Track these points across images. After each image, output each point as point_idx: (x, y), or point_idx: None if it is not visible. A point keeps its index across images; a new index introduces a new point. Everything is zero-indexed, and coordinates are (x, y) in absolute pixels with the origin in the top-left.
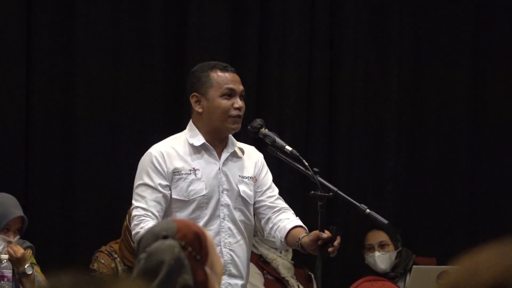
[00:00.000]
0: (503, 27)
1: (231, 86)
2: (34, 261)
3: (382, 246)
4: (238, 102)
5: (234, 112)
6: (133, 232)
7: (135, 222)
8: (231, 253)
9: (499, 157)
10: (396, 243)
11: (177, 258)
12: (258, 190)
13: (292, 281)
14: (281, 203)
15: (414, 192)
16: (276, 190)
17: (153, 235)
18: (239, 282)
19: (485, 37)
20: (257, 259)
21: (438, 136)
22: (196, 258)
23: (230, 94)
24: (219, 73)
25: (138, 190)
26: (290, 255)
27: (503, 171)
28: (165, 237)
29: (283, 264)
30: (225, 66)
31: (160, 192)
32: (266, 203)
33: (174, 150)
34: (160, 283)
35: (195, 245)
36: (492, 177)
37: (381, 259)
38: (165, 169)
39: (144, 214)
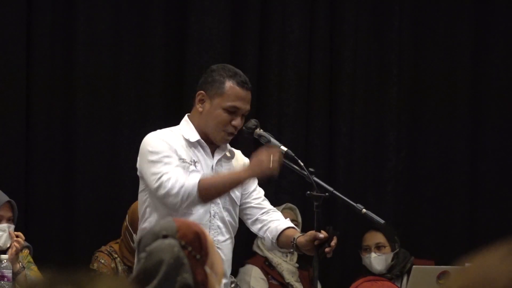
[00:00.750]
0: (503, 27)
1: (238, 104)
2: (31, 260)
3: (378, 247)
4: (238, 121)
5: (229, 129)
6: (174, 191)
7: (172, 181)
8: (219, 251)
9: (499, 157)
10: (394, 244)
11: (177, 257)
12: (244, 192)
13: (297, 285)
14: (268, 205)
15: (414, 192)
16: (262, 192)
17: (153, 234)
18: (223, 280)
19: (485, 37)
20: (263, 263)
21: (438, 136)
22: (196, 258)
23: (234, 111)
24: (234, 86)
25: (155, 161)
26: (295, 258)
27: (503, 171)
28: (165, 237)
29: (288, 269)
30: (243, 81)
31: (175, 157)
32: (252, 204)
33: (172, 140)
34: (160, 282)
35: (195, 245)
36: (492, 177)
37: (377, 261)
38: (172, 146)
39: (178, 176)
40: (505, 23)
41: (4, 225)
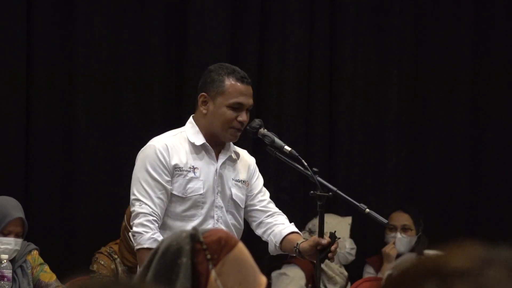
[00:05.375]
0: (503, 26)
1: (241, 100)
2: (42, 261)
3: (404, 229)
4: (243, 116)
5: (236, 125)
6: (138, 230)
7: (143, 222)
8: None
9: (499, 157)
10: (418, 228)
11: (180, 242)
12: (249, 194)
13: None
14: (273, 207)
15: (414, 192)
16: (267, 194)
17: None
18: None
19: (485, 37)
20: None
21: (438, 136)
22: (206, 255)
23: (237, 107)
24: (234, 82)
25: (142, 183)
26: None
27: (503, 171)
28: (193, 230)
29: (337, 283)
30: (242, 77)
31: (164, 187)
32: (258, 207)
33: (175, 146)
34: (158, 260)
35: (212, 246)
36: (492, 177)
37: (402, 242)
38: (168, 163)
39: (152, 213)
40: (505, 23)
41: (11, 239)
